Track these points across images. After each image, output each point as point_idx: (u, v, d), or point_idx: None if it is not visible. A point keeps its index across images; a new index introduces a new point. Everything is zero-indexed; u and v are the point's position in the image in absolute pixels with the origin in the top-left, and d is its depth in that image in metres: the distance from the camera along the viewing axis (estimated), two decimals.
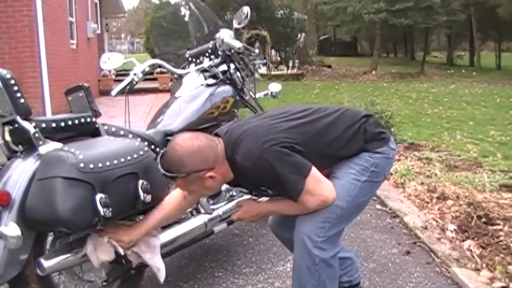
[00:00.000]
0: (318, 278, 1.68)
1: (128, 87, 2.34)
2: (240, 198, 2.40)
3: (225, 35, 2.58)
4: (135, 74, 2.35)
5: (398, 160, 4.65)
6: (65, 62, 8.72)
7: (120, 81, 2.43)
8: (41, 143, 1.70)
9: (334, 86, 14.24)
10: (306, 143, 1.60)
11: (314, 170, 1.59)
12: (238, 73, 2.68)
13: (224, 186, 2.41)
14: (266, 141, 1.55)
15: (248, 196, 2.06)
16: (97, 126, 1.93)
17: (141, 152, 1.77)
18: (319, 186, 1.60)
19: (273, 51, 17.81)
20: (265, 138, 1.56)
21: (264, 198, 1.88)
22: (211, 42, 2.64)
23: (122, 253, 1.71)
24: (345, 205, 1.67)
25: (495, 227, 2.84)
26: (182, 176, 1.57)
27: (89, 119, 1.90)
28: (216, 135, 1.68)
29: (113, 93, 2.36)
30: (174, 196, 1.83)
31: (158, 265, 1.81)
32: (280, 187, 1.60)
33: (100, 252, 1.68)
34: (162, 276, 1.82)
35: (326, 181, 1.63)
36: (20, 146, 1.73)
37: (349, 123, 1.70)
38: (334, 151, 1.68)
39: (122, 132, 2.02)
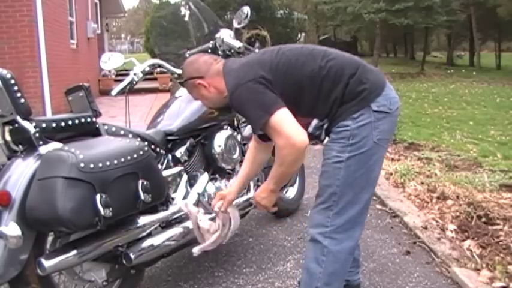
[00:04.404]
0: (324, 269, 1.71)
1: (127, 87, 2.33)
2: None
3: (225, 35, 2.59)
4: (135, 74, 2.35)
5: (399, 160, 4.65)
6: (65, 62, 8.72)
7: (120, 81, 2.43)
8: (41, 142, 1.70)
9: None
10: (284, 86, 1.67)
11: (284, 111, 1.62)
12: None
13: (224, 186, 2.41)
14: (246, 76, 1.67)
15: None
16: (97, 126, 1.94)
17: (141, 152, 1.77)
18: (285, 125, 1.60)
19: None
20: (247, 73, 1.69)
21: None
22: (211, 42, 2.63)
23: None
24: (337, 190, 1.68)
25: (495, 227, 2.84)
26: (183, 81, 1.91)
27: (89, 119, 1.90)
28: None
29: (113, 93, 2.35)
30: (249, 150, 2.02)
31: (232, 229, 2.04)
32: (247, 118, 1.76)
33: (234, 224, 2.01)
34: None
35: (294, 123, 1.61)
36: (20, 146, 1.73)
37: (334, 78, 1.67)
38: (309, 101, 1.70)
39: (122, 132, 2.02)
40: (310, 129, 1.74)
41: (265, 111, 1.61)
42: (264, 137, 1.82)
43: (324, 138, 1.79)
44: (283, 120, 1.60)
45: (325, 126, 1.74)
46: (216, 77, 1.80)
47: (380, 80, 1.73)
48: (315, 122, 1.74)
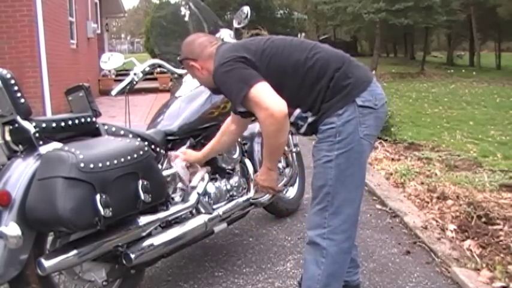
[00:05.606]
0: (323, 271, 1.71)
1: (127, 87, 2.34)
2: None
3: (225, 35, 2.59)
4: (135, 74, 2.35)
5: (399, 160, 4.65)
6: (65, 62, 8.72)
7: (120, 81, 2.43)
8: (41, 143, 1.70)
9: None
10: (266, 72, 1.67)
11: (263, 84, 1.62)
12: None
13: (224, 186, 2.41)
14: (228, 55, 1.71)
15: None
16: (97, 126, 1.94)
17: (141, 152, 1.77)
18: (264, 96, 1.60)
19: None
20: (231, 53, 1.72)
21: None
22: None
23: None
24: (331, 189, 1.68)
25: (495, 227, 2.84)
26: (180, 60, 1.94)
27: (89, 119, 1.90)
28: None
29: (113, 93, 2.36)
30: (226, 123, 2.14)
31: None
32: (229, 94, 1.72)
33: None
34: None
35: (273, 94, 1.61)
36: (20, 146, 1.73)
37: (319, 70, 1.68)
38: (291, 91, 1.69)
39: (122, 132, 2.02)
40: (292, 118, 1.74)
41: (245, 83, 1.62)
42: (244, 114, 1.90)
43: (307, 133, 1.79)
44: (262, 91, 1.61)
45: (310, 120, 1.74)
46: (208, 60, 1.83)
47: (366, 75, 1.73)
48: (297, 111, 1.74)
